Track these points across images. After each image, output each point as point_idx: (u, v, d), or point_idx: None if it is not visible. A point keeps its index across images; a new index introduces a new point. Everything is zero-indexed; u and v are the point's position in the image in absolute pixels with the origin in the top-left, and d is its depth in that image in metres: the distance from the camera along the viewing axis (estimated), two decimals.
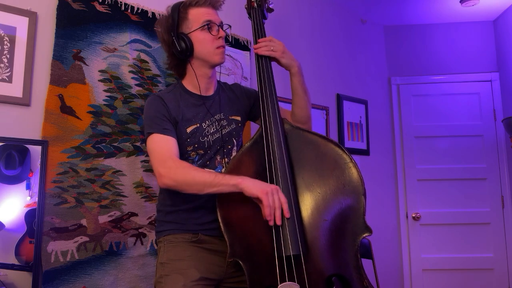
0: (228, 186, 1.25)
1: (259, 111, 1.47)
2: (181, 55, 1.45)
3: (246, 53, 2.37)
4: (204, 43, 1.45)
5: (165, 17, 1.49)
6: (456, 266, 3.16)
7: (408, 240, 3.25)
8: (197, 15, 1.45)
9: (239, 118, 1.57)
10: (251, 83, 2.35)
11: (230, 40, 2.27)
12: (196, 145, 1.44)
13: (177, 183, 1.30)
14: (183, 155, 1.44)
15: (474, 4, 3.04)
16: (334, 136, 2.93)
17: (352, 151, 2.98)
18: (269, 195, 1.20)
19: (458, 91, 3.35)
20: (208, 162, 1.47)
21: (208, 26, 1.44)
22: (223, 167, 1.47)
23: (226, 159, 1.49)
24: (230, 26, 1.54)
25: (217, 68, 1.55)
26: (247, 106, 1.62)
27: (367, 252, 2.04)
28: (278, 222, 1.21)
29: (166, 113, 1.40)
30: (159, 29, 1.51)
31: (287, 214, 1.22)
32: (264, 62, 1.51)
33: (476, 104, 3.31)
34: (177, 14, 1.44)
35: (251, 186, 1.22)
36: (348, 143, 3.00)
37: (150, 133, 1.39)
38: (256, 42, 1.55)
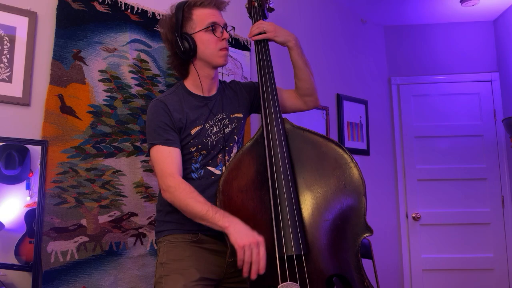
0: (216, 226, 1.24)
1: (260, 107, 1.47)
2: (184, 55, 1.44)
3: (246, 53, 2.37)
4: (207, 45, 1.44)
5: (168, 16, 1.49)
6: (456, 266, 3.16)
7: (408, 240, 3.25)
8: (201, 16, 1.44)
9: (240, 115, 1.57)
10: None
11: (231, 40, 2.26)
12: (199, 146, 1.44)
13: (173, 204, 1.35)
14: (187, 156, 1.44)
15: (474, 4, 3.04)
16: (334, 136, 2.93)
17: (352, 151, 2.98)
18: (245, 249, 1.17)
19: (458, 91, 3.35)
20: (210, 161, 1.47)
21: (212, 27, 1.44)
22: (224, 165, 1.48)
23: (227, 157, 1.49)
24: (234, 28, 1.54)
25: (219, 69, 1.55)
26: (247, 101, 1.61)
27: (367, 252, 2.04)
28: (252, 277, 1.18)
29: (169, 121, 1.40)
30: (162, 28, 1.51)
31: (261, 271, 1.18)
32: (263, 54, 1.51)
33: (476, 104, 3.31)
34: (181, 13, 1.44)
35: (234, 235, 1.20)
36: (348, 143, 3.00)
37: (153, 144, 1.39)
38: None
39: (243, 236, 1.19)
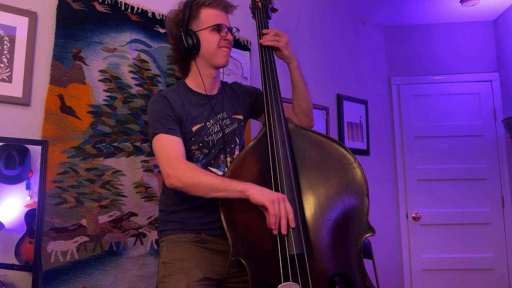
0: (234, 192, 1.24)
1: (262, 108, 1.47)
2: (187, 51, 1.45)
3: (246, 53, 2.37)
4: (210, 43, 1.45)
5: (175, 12, 1.50)
6: (456, 266, 3.16)
7: (408, 240, 3.25)
8: (208, 16, 1.45)
9: (241, 117, 1.57)
10: (251, 83, 2.35)
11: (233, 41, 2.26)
12: (200, 144, 1.45)
13: (184, 184, 1.30)
14: (188, 154, 1.44)
15: (474, 4, 3.04)
16: (334, 136, 2.93)
17: (352, 151, 2.97)
18: (275, 204, 1.19)
19: (458, 91, 3.35)
20: (212, 161, 1.47)
21: (217, 27, 1.45)
22: (226, 166, 1.48)
23: (229, 158, 1.49)
24: (238, 30, 1.54)
25: (220, 69, 1.55)
26: (248, 105, 1.62)
27: (367, 252, 2.04)
28: (284, 232, 1.20)
29: (171, 112, 1.40)
30: (168, 23, 1.51)
31: (292, 224, 1.21)
32: (268, 57, 1.51)
33: (476, 104, 3.31)
34: (189, 10, 1.45)
35: (257, 193, 1.21)
36: (348, 143, 3.00)
37: (155, 133, 1.38)
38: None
39: (268, 193, 1.22)
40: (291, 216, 1.21)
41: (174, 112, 1.40)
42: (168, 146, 1.35)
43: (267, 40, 1.52)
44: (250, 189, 1.22)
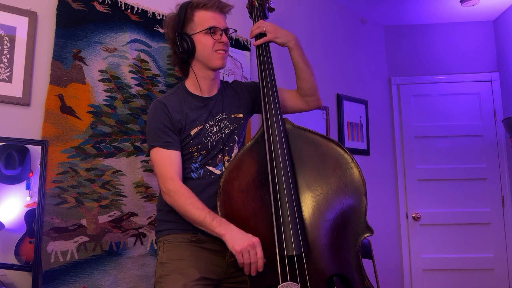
0: (213, 232, 1.30)
1: (261, 107, 1.47)
2: (182, 55, 1.46)
3: (246, 53, 2.37)
4: (205, 46, 1.45)
5: (172, 15, 1.50)
6: (456, 266, 3.16)
7: (408, 240, 3.25)
8: (202, 19, 1.45)
9: (241, 115, 1.57)
10: None
11: (232, 41, 2.26)
12: (199, 146, 1.45)
13: (173, 207, 1.38)
14: (186, 156, 1.44)
15: (474, 4, 3.04)
16: (334, 136, 2.93)
17: (352, 151, 2.98)
18: (243, 254, 1.23)
19: (458, 91, 3.35)
20: (210, 161, 1.47)
21: (211, 30, 1.45)
22: (224, 165, 1.48)
23: (227, 157, 1.49)
24: (235, 31, 1.54)
25: (221, 70, 1.55)
26: (249, 101, 1.62)
27: (367, 252, 2.04)
28: (253, 274, 1.24)
29: (168, 122, 1.40)
30: (166, 27, 1.52)
31: (259, 269, 1.24)
32: (264, 58, 1.51)
33: (476, 104, 3.31)
34: (184, 14, 1.45)
35: (230, 242, 1.25)
36: (348, 143, 3.00)
37: (153, 146, 1.41)
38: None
39: (239, 242, 1.24)
40: (259, 263, 1.24)
41: (172, 121, 1.41)
42: (164, 164, 1.38)
43: (256, 40, 1.54)
44: (226, 235, 1.26)
